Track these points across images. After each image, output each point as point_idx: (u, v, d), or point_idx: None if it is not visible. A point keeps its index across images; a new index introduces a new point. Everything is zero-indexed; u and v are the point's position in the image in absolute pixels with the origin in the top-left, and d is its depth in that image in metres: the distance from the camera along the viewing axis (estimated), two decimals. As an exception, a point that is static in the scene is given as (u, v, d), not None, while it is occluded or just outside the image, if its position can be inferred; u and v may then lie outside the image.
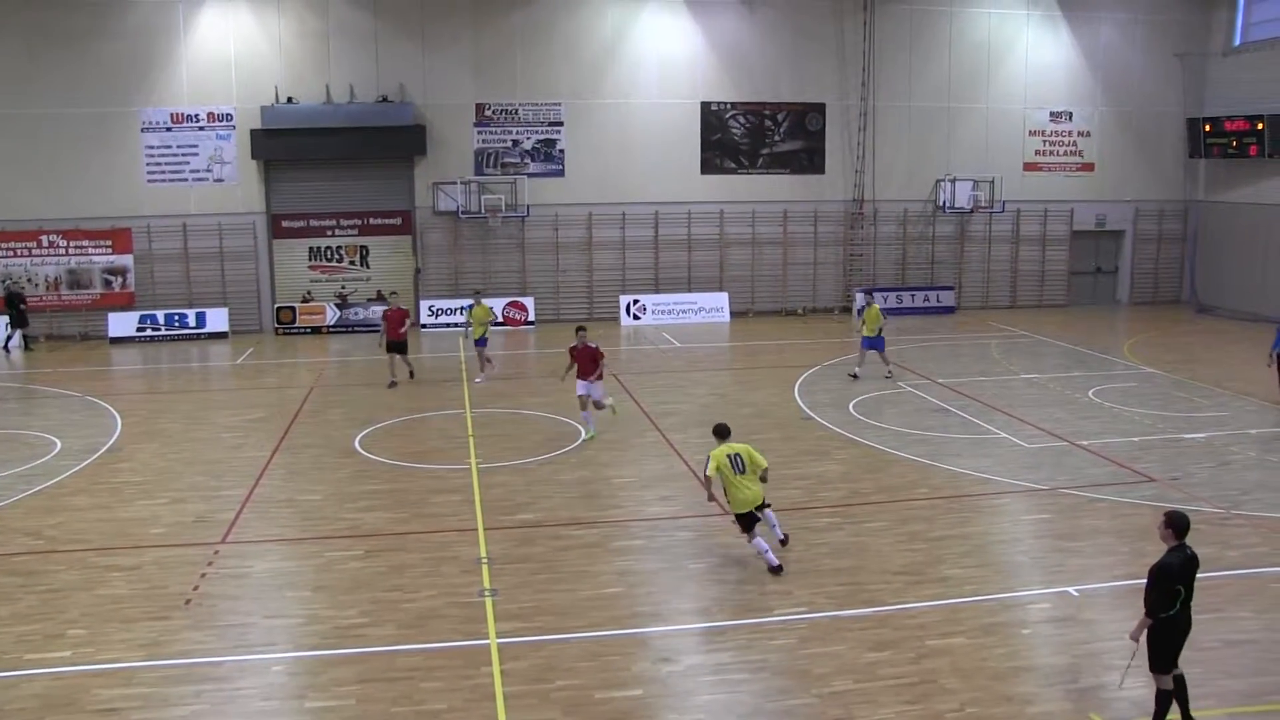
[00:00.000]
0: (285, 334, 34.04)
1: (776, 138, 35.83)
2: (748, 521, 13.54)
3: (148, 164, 33.96)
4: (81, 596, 13.32)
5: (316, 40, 33.63)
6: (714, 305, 35.48)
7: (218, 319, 34.09)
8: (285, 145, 33.72)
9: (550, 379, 26.24)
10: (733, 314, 35.57)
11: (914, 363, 27.39)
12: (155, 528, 15.88)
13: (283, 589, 13.49)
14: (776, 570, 13.33)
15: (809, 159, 36.14)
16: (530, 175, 34.76)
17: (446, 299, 34.87)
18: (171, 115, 33.75)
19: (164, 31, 33.29)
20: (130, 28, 33.11)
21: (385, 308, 27.42)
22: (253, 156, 33.87)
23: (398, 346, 25.62)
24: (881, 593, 12.84)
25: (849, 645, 11.43)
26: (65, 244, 34.09)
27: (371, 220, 34.99)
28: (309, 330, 33.99)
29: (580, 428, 20.54)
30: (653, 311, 35.15)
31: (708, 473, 13.45)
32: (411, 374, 26.15)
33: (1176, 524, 9.44)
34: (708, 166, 35.60)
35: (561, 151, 34.91)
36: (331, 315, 34.00)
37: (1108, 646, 11.21)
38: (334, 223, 34.93)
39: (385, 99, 33.63)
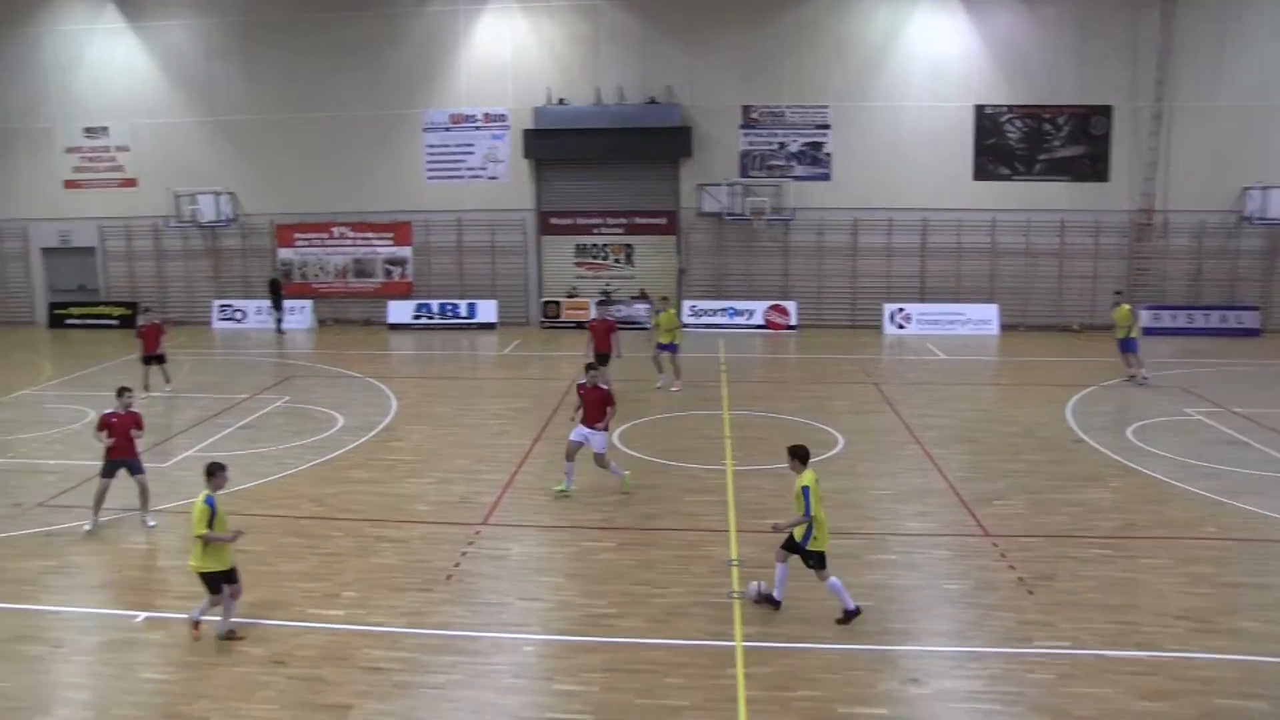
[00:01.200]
0: (550, 328, 35.06)
1: (1056, 142, 34.05)
2: (822, 559, 12.21)
3: (428, 162, 35.78)
4: (355, 562, 14.22)
5: (587, 44, 34.48)
6: (982, 317, 34.14)
7: (487, 310, 35.47)
8: (555, 145, 34.72)
9: (808, 385, 26.03)
10: (1002, 327, 34.03)
11: (1206, 389, 25.08)
12: (422, 505, 16.67)
13: (537, 573, 13.87)
14: (854, 614, 12.05)
15: (1090, 165, 34.12)
16: (796, 178, 34.48)
17: (709, 300, 35.06)
18: (451, 116, 35.41)
19: (446, 38, 35.03)
20: (416, 35, 35.02)
21: (592, 318, 25.36)
22: (525, 155, 35.07)
23: (602, 359, 23.27)
24: (1158, 637, 11.76)
25: (1117, 689, 10.61)
26: (353, 236, 36.36)
27: (637, 219, 35.56)
28: (573, 325, 34.86)
29: (564, 479, 17.19)
30: (917, 321, 34.23)
31: (812, 512, 12.00)
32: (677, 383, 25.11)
33: None
34: (980, 172, 34.25)
35: (828, 155, 34.47)
36: (594, 312, 34.69)
37: None
38: (600, 221, 35.71)
39: (653, 100, 34.10)
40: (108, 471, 15.67)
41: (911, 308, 34.40)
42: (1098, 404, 23.82)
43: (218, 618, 11.83)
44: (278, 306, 35.42)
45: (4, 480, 18.23)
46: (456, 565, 14.02)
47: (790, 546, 12.35)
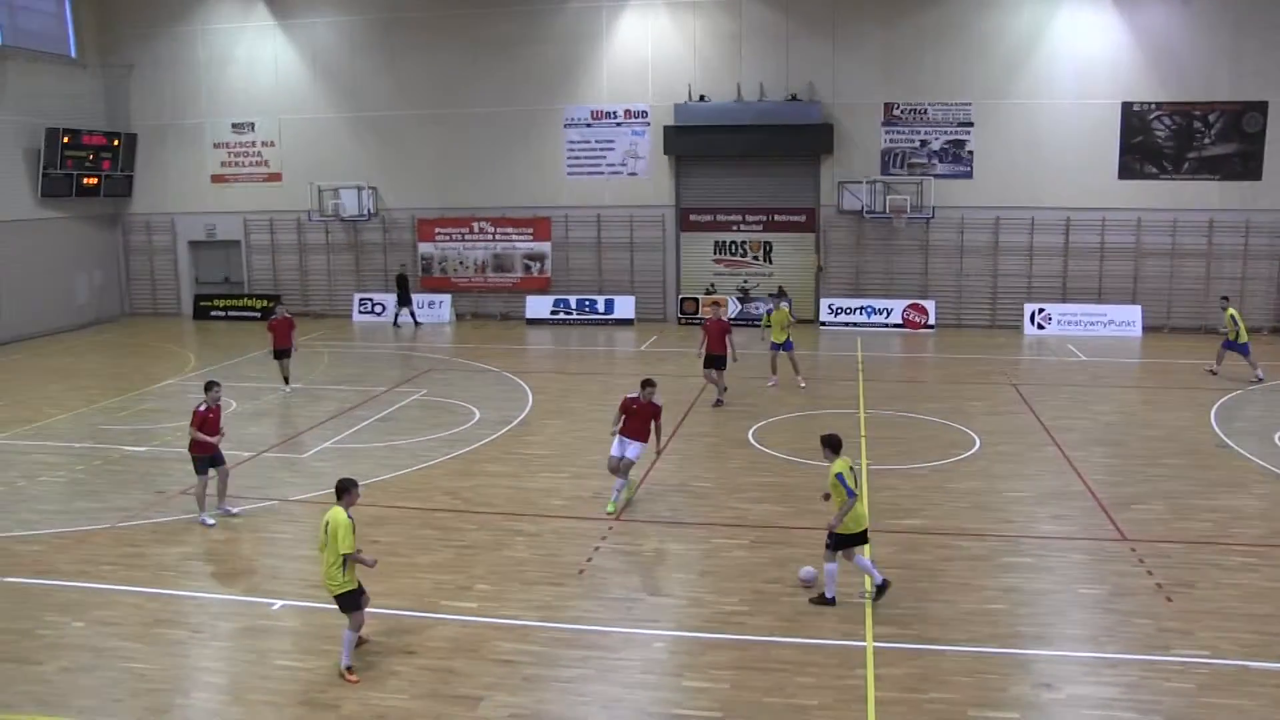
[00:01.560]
0: (688, 324, 35.35)
1: (1206, 140, 32.92)
2: (858, 540, 12.70)
3: (568, 158, 36.37)
4: (489, 555, 14.63)
5: (729, 40, 34.62)
6: (1125, 318, 33.30)
7: (625, 306, 35.93)
8: (696, 141, 34.96)
9: (945, 385, 25.84)
10: (1145, 329, 33.18)
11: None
12: (556, 499, 17.06)
13: (669, 569, 14.14)
14: (883, 588, 12.62)
15: (1243, 163, 32.88)
16: (937, 176, 34.13)
17: (847, 298, 34.95)
18: (592, 112, 35.92)
19: (588, 35, 35.55)
20: (557, 33, 35.62)
21: (708, 317, 24.25)
22: (665, 152, 35.39)
23: (716, 361, 23.35)
24: (1306, 649, 11.51)
25: (1260, 702, 10.39)
26: (493, 230, 37.20)
27: (776, 217, 35.61)
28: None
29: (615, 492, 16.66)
30: (1058, 321, 33.58)
31: (855, 492, 12.40)
32: (720, 394, 23.75)
33: None
34: (1126, 171, 33.36)
35: (970, 153, 34.02)
36: (733, 309, 34.92)
37: None
38: (739, 218, 35.85)
39: (794, 97, 34.10)
40: (202, 469, 15.90)
41: (1052, 308, 33.76)
42: (1244, 408, 23.18)
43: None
44: (404, 301, 36.36)
45: (147, 468, 19.14)
46: (589, 560, 14.35)
47: (836, 543, 12.61)
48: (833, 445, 12.90)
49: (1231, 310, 25.84)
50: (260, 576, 14.12)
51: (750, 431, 21.10)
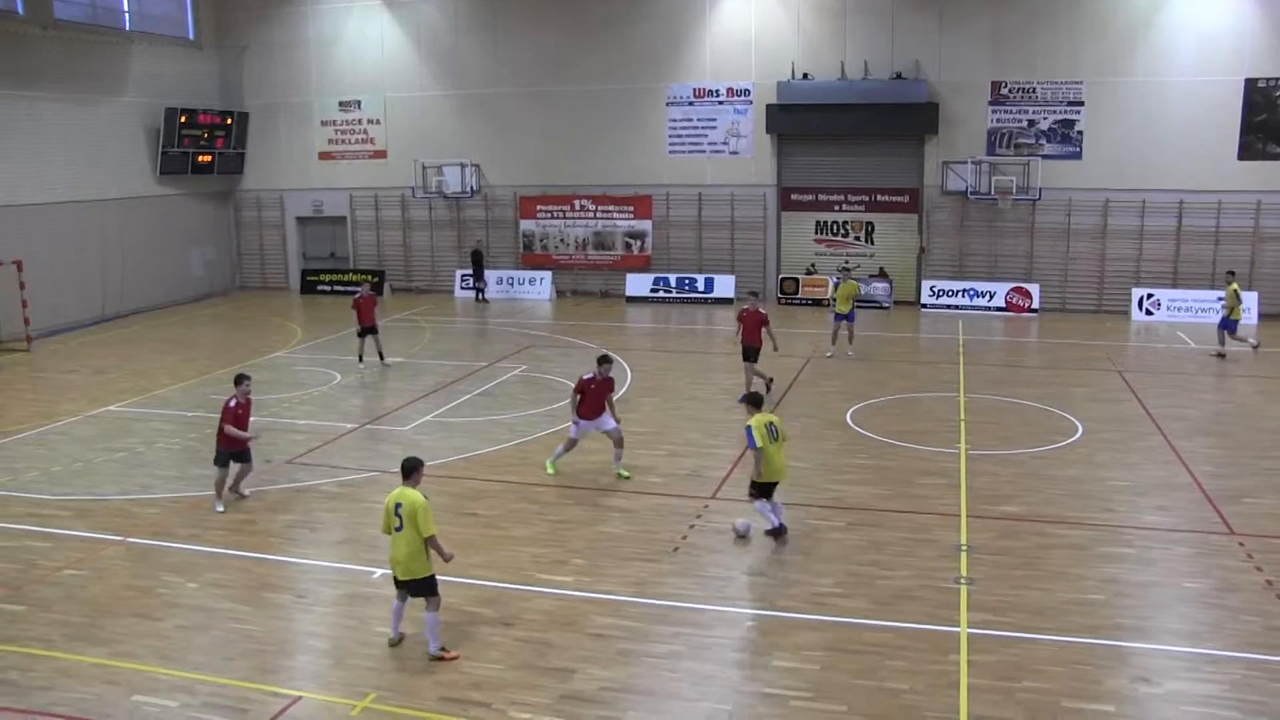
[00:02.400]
0: (787, 304, 35.19)
1: (1337, 119, 31.54)
2: (769, 489, 14.01)
3: (670, 136, 36.34)
4: (585, 530, 14.82)
5: (834, 17, 34.21)
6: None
7: (724, 285, 35.87)
8: (798, 120, 34.65)
9: (1048, 370, 25.38)
10: (1261, 315, 31.93)
11: None
12: (652, 476, 17.16)
13: (763, 549, 14.10)
14: (779, 532, 13.95)
15: (1375, 144, 31.51)
16: (1044, 157, 33.32)
17: (949, 280, 34.43)
18: (694, 90, 35.82)
19: (691, 12, 35.41)
20: (661, 10, 35.57)
21: (744, 308, 23.03)
22: (767, 131, 35.16)
23: (751, 353, 22.37)
24: None
25: (1377, 707, 10.05)
26: (594, 208, 37.38)
27: (879, 197, 35.20)
28: (809, 302, 34.87)
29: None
30: (1168, 307, 32.65)
31: (757, 445, 13.61)
32: (767, 381, 22.53)
33: None
34: (1247, 151, 32.04)
35: (1080, 133, 33.18)
36: (833, 289, 34.59)
37: None
38: (842, 198, 35.51)
39: (899, 76, 33.60)
40: (223, 461, 15.81)
41: (1162, 293, 32.82)
42: (1367, 402, 22.35)
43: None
44: (479, 276, 37.00)
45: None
46: (684, 538, 14.44)
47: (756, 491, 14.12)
48: (752, 402, 14.35)
49: (1235, 285, 26.27)
50: (361, 545, 14.43)
51: (848, 413, 20.97)
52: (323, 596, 12.93)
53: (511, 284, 37.92)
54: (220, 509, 15.84)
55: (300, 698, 10.41)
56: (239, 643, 11.57)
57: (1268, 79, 31.58)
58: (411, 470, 11.13)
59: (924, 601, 12.32)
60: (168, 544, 14.50)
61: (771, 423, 13.87)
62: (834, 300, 26.71)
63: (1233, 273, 27.47)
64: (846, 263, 34.47)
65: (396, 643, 11.40)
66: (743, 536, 14.20)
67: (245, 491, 16.45)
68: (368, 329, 25.64)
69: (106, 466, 18.20)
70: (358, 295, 25.93)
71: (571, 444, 17.19)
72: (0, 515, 15.75)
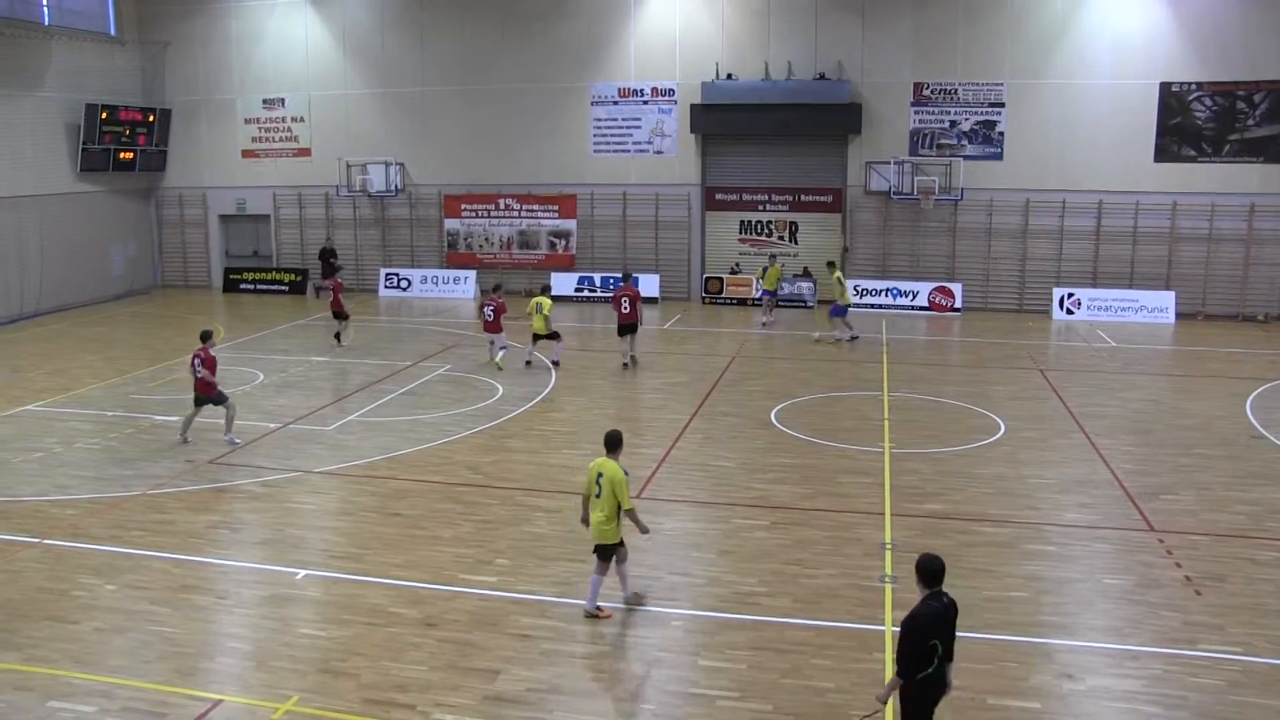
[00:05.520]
0: (711, 303, 35.14)
1: (1250, 121, 31.97)
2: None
3: (594, 136, 36.16)
4: (508, 530, 14.60)
5: (758, 18, 34.24)
6: (1158, 304, 32.71)
7: (649, 285, 35.64)
8: (723, 120, 34.63)
9: (971, 369, 25.55)
10: (1179, 315, 32.56)
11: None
12: (577, 476, 16.78)
13: (688, 548, 13.98)
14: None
15: (1288, 146, 32.11)
16: (966, 157, 33.65)
17: (872, 279, 34.59)
18: (619, 90, 35.68)
19: (616, 11, 35.29)
20: (585, 9, 35.42)
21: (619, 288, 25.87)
22: (691, 130, 35.09)
23: (628, 329, 25.23)
24: (1340, 647, 11.18)
25: (1295, 701, 10.11)
26: (519, 207, 37.08)
27: (803, 197, 35.28)
28: (734, 301, 34.85)
29: None
30: (1088, 307, 33.10)
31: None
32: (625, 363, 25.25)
33: (922, 570, 8.29)
34: (1163, 154, 32.64)
35: (1001, 134, 33.53)
36: (757, 288, 34.61)
37: None
38: (766, 198, 35.55)
39: (823, 76, 33.70)
40: (199, 404, 18.72)
41: (1082, 293, 33.26)
42: (1280, 399, 22.77)
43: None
44: (328, 274, 36.35)
45: (176, 437, 19.20)
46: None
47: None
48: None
49: (838, 274, 28.91)
50: (285, 546, 14.17)
51: (773, 412, 20.90)
52: (244, 598, 12.59)
53: (436, 283, 37.44)
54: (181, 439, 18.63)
55: (221, 701, 10.16)
56: (158, 645, 11.28)
57: (1181, 83, 32.17)
58: (615, 443, 11.91)
59: (849, 600, 12.23)
60: (86, 545, 14.11)
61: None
62: (761, 280, 30.32)
63: (832, 263, 31.06)
64: (774, 254, 34.46)
65: (593, 614, 11.76)
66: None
67: (238, 440, 18.56)
68: (340, 313, 27.68)
69: (23, 467, 17.68)
70: (335, 277, 29.04)
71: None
72: (-93, 518, 15.24)
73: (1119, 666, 10.77)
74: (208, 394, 18.56)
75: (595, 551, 11.87)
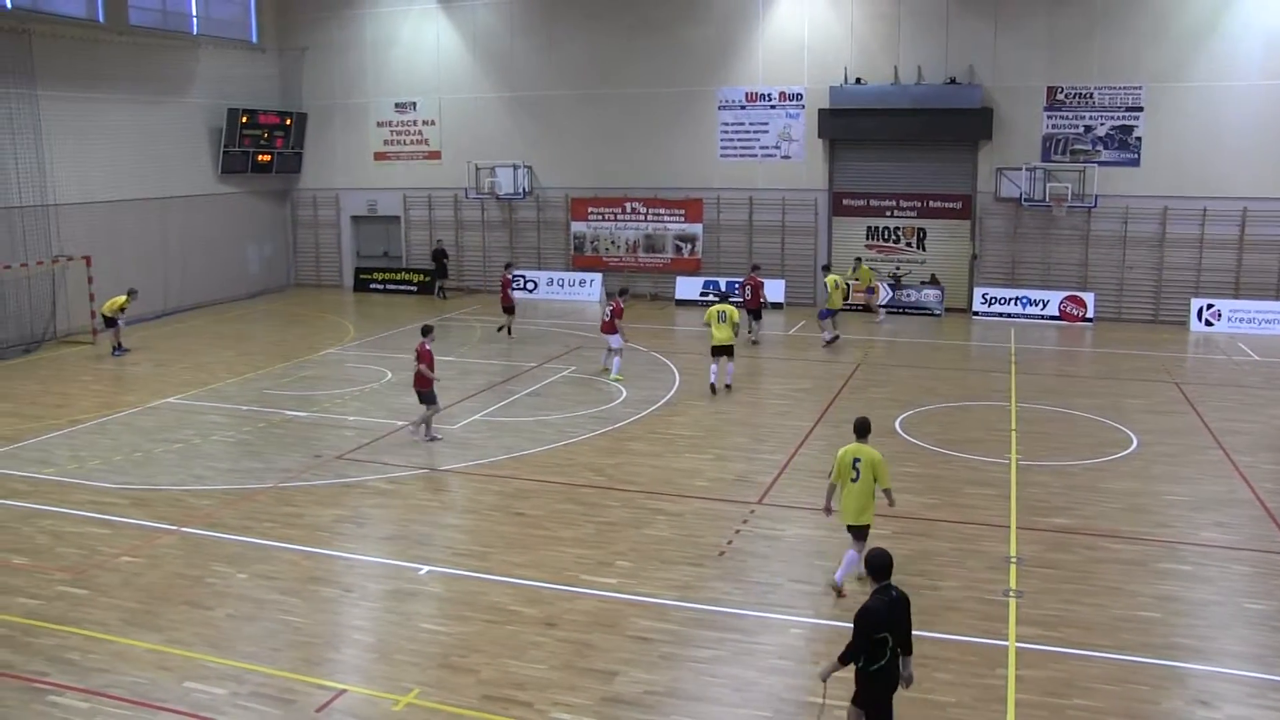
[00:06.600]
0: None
1: None
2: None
3: (721, 140, 36.15)
4: (630, 533, 14.73)
5: (887, 22, 33.84)
6: (1306, 316, 31.43)
7: (775, 290, 35.51)
8: (851, 125, 34.32)
9: (1103, 381, 24.90)
10: (1326, 327, 31.26)
11: None
12: (699, 480, 17.03)
13: (810, 556, 13.95)
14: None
15: None
16: (1101, 164, 32.74)
17: (1001, 288, 33.90)
18: (746, 94, 35.60)
19: (744, 16, 35.20)
20: (714, 14, 35.42)
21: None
22: (819, 135, 34.85)
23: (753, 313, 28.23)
24: None
25: None
26: (645, 211, 37.26)
27: (931, 203, 34.76)
28: (861, 308, 34.52)
29: None
30: (1229, 318, 31.90)
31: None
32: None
33: (872, 565, 8.62)
34: (1314, 158, 31.32)
35: (1138, 139, 32.55)
36: (885, 295, 34.23)
37: None
38: (893, 203, 35.12)
39: (953, 80, 33.17)
40: (423, 399, 19.04)
41: (1222, 304, 32.08)
42: None
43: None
44: (441, 274, 38.22)
45: (307, 433, 19.96)
46: (729, 542, 14.30)
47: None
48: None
49: (834, 277, 29.03)
50: (409, 542, 14.51)
51: (898, 421, 20.67)
52: (369, 591, 12.98)
53: (562, 285, 37.87)
54: (429, 438, 19.15)
55: (345, 691, 10.48)
56: (286, 634, 11.72)
57: (1338, 84, 30.71)
58: (866, 429, 12.63)
59: (971, 613, 12.06)
60: (220, 534, 14.74)
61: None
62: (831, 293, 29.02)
63: (827, 266, 31.42)
64: (898, 269, 34.12)
65: (839, 589, 12.48)
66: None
67: (438, 435, 19.31)
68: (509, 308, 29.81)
69: (164, 457, 18.54)
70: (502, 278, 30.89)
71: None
72: (65, 502, 16.16)
73: (1261, 697, 10.38)
74: (422, 388, 18.93)
75: (850, 530, 12.54)
